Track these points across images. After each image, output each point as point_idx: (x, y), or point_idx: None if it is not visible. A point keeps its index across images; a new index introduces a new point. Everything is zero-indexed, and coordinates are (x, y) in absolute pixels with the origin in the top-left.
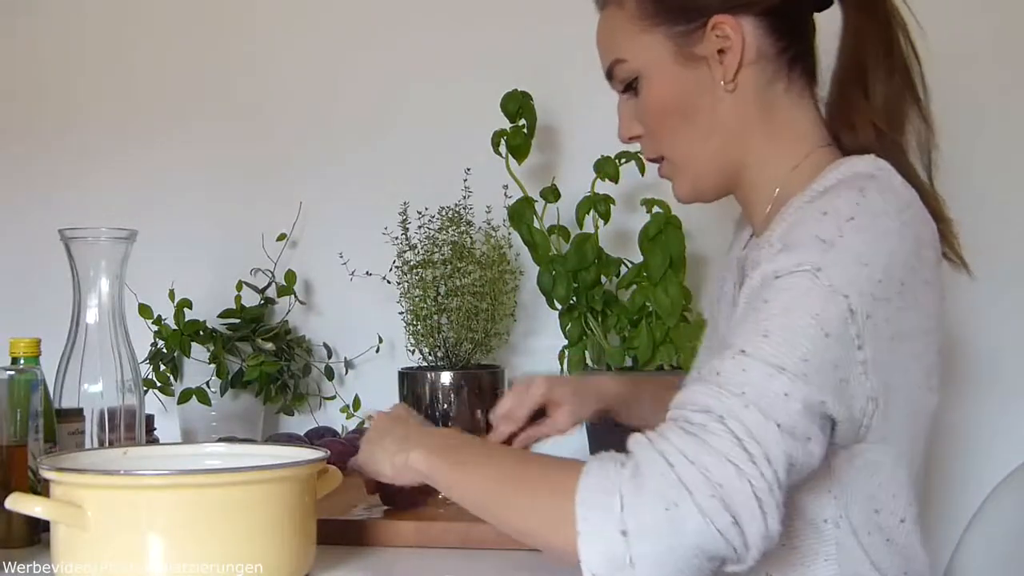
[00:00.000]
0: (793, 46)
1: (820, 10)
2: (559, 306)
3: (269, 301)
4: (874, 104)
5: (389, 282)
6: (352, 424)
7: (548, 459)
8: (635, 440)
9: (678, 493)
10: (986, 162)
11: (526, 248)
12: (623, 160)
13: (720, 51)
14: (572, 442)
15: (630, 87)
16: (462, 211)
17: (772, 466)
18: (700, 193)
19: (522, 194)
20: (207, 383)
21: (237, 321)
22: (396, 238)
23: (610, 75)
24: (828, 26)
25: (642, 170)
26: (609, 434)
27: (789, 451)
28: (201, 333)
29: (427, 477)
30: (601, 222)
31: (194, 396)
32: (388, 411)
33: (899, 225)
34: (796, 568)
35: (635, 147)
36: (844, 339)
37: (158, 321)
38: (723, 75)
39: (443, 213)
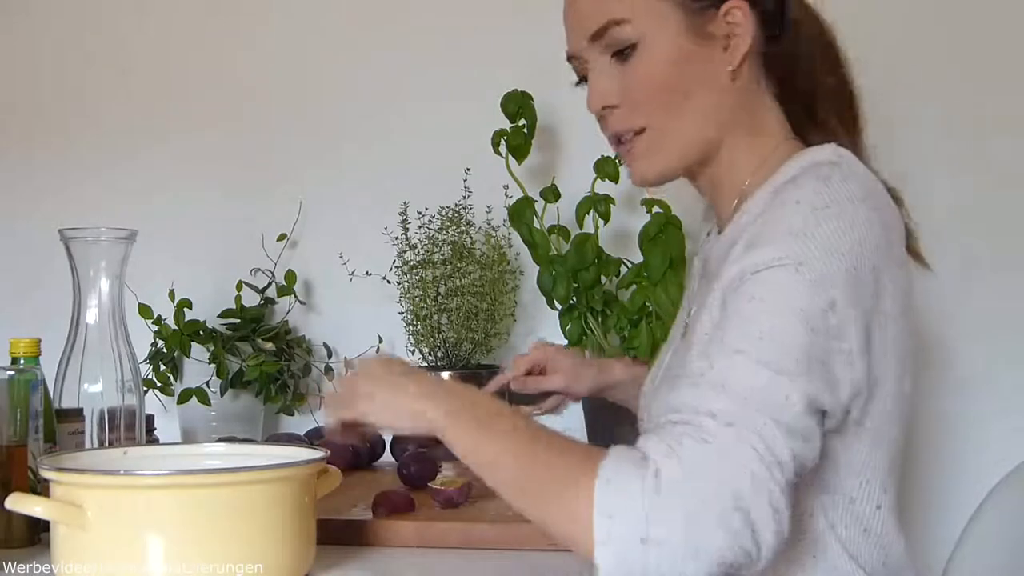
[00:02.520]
0: (774, 43)
1: None
2: (559, 306)
3: (269, 301)
4: (829, 99)
5: (389, 282)
6: None
7: (567, 446)
8: (651, 444)
9: (699, 505)
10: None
11: (526, 248)
12: (623, 160)
13: (727, 36)
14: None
15: (620, 53)
16: (462, 211)
17: (784, 473)
18: (666, 173)
19: (522, 194)
20: (207, 383)
21: (237, 321)
22: (396, 238)
23: (599, 35)
24: None
25: None
26: (606, 417)
27: (797, 454)
28: (201, 333)
29: (444, 436)
30: (601, 222)
31: (194, 396)
32: (377, 357)
33: (867, 211)
34: (771, 563)
35: None
36: (829, 331)
37: (158, 321)
38: (728, 61)
39: (443, 213)
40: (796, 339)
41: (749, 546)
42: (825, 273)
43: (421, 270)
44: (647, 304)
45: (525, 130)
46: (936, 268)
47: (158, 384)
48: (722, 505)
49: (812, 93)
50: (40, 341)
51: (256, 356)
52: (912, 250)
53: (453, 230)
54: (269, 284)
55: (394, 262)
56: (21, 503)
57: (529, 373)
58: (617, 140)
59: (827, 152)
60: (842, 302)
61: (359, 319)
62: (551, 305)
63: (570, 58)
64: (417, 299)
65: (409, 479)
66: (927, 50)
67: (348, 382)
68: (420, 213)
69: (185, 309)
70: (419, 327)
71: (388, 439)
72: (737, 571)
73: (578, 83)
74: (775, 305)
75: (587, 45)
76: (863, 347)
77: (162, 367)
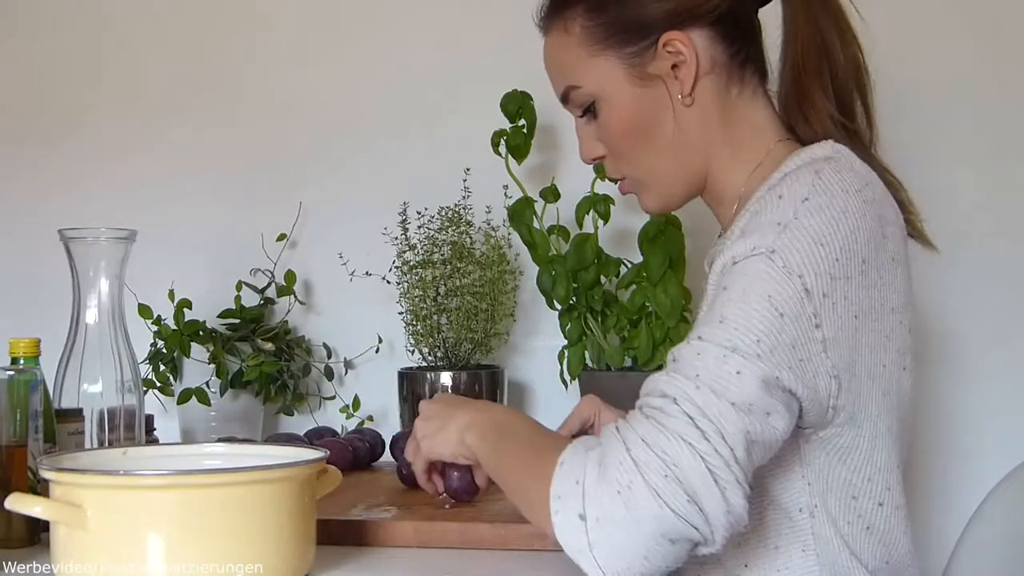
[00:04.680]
0: (744, 49)
1: (763, 5)
2: (559, 306)
3: (269, 301)
4: (829, 95)
5: (389, 282)
6: (352, 424)
7: (549, 444)
8: (605, 429)
9: (631, 476)
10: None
11: (526, 248)
12: None
13: (674, 66)
14: None
15: (588, 110)
16: (462, 211)
17: (727, 443)
18: (669, 204)
19: (522, 194)
20: (207, 383)
21: (237, 321)
22: (396, 238)
23: (565, 99)
24: (770, 20)
25: None
26: None
27: (746, 427)
28: (201, 333)
29: (477, 461)
30: (601, 222)
31: (194, 396)
32: (434, 398)
33: (859, 203)
34: (773, 560)
35: None
36: (800, 319)
37: (158, 321)
38: (680, 90)
39: (443, 213)
40: (760, 322)
41: (691, 516)
42: (801, 261)
43: (421, 270)
44: (647, 304)
45: (525, 130)
46: (945, 266)
47: (158, 384)
48: (656, 475)
49: (807, 83)
50: (40, 341)
51: (256, 356)
52: (917, 231)
53: (453, 230)
54: (269, 284)
55: (394, 262)
56: (21, 503)
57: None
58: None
59: (824, 149)
60: (819, 291)
61: (359, 319)
62: (551, 305)
63: None
64: (417, 299)
65: (409, 479)
66: (955, 47)
67: (414, 427)
68: (420, 213)
69: (185, 309)
70: (419, 327)
71: (388, 439)
72: (695, 548)
73: None
74: (742, 291)
75: (563, 106)
76: (840, 337)
77: (162, 367)
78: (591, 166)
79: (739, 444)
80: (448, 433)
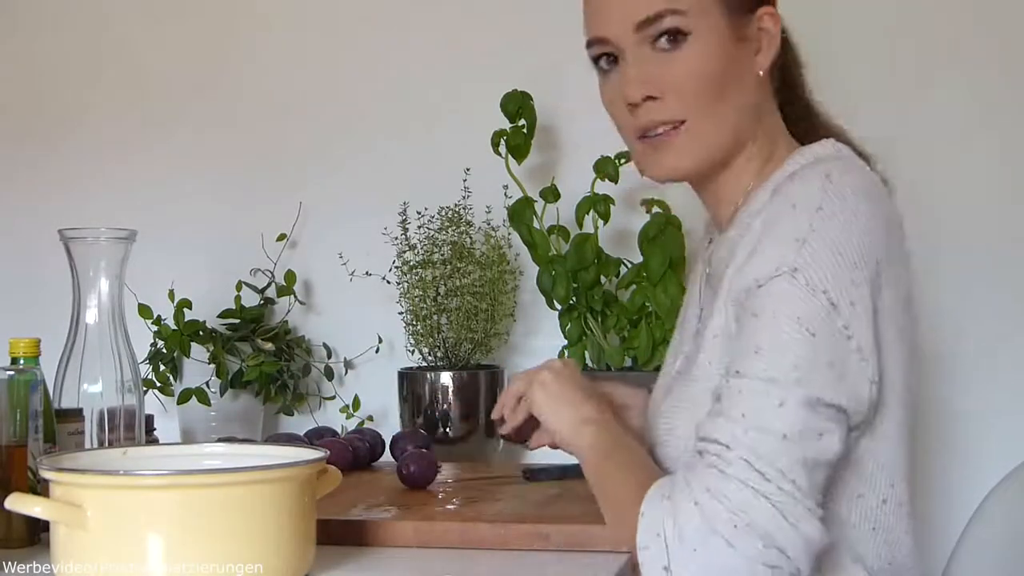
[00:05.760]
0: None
1: None
2: (559, 306)
3: (269, 301)
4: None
5: (389, 282)
6: (352, 424)
7: (639, 478)
8: (676, 479)
9: (705, 535)
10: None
11: (526, 248)
12: (623, 160)
13: (759, 40)
14: None
15: (671, 42)
16: (462, 211)
17: (787, 476)
18: (677, 170)
19: (522, 194)
20: (207, 383)
21: (237, 321)
22: (396, 238)
23: (650, 22)
24: None
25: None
26: None
27: (802, 455)
28: (201, 333)
29: (578, 457)
30: (601, 222)
31: (194, 396)
32: (560, 369)
33: (868, 204)
34: None
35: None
36: (831, 335)
37: (158, 321)
38: (760, 64)
39: (443, 213)
40: (792, 347)
41: (770, 558)
42: (823, 276)
43: (421, 270)
44: (647, 304)
45: (525, 130)
46: (947, 265)
47: (158, 384)
48: (726, 526)
49: (805, 103)
50: (40, 341)
51: (256, 356)
52: None
53: (453, 230)
54: (269, 284)
55: (394, 262)
56: (21, 503)
57: None
58: (645, 130)
59: (825, 147)
60: (845, 301)
61: (359, 319)
62: (551, 305)
63: (596, 42)
64: (417, 299)
65: (409, 479)
66: (956, 46)
67: (534, 383)
68: (420, 213)
69: (185, 309)
70: (419, 327)
71: (388, 439)
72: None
73: (597, 62)
74: (772, 318)
75: (629, 31)
76: (873, 343)
77: (162, 367)
78: (591, 166)
79: (799, 474)
80: (569, 416)
